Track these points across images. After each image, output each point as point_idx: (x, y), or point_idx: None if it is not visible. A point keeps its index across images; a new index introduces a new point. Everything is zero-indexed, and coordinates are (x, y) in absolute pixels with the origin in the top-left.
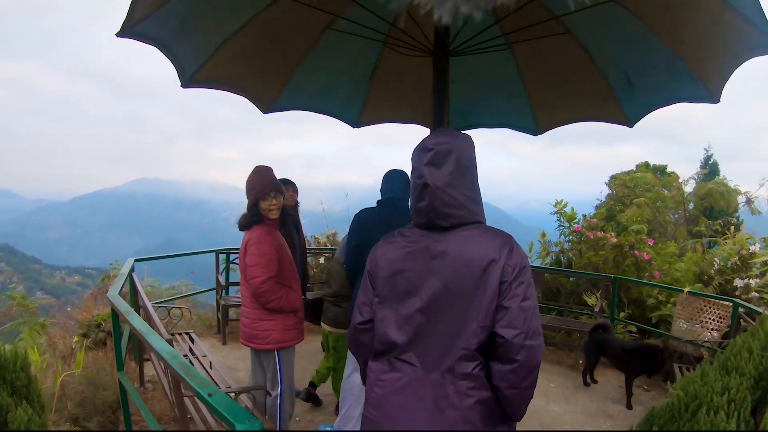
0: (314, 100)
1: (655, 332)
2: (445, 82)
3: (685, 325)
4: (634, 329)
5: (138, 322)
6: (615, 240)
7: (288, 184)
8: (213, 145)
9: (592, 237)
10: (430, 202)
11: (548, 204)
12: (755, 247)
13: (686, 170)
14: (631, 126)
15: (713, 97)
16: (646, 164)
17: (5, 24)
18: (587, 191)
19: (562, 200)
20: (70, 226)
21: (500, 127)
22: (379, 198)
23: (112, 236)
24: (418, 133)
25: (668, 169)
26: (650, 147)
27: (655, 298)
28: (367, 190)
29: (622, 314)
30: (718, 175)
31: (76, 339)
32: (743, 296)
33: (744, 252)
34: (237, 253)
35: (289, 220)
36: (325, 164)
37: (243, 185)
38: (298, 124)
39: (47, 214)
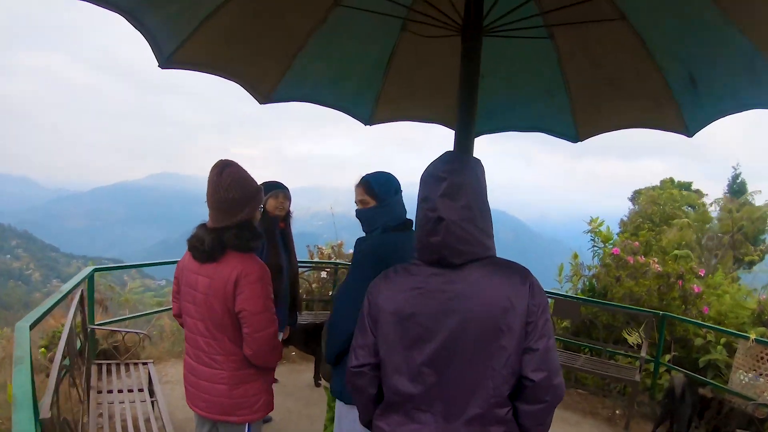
0: (320, 92)
1: (710, 384)
2: (475, 68)
3: (746, 378)
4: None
5: (20, 380)
6: (659, 268)
7: (279, 188)
8: (234, 141)
9: (632, 262)
10: (445, 238)
11: (568, 216)
12: None
13: (710, 188)
14: (690, 136)
15: None
16: (671, 180)
17: (37, 15)
18: (609, 204)
19: (597, 218)
20: (90, 217)
21: (534, 130)
22: (378, 208)
23: (131, 229)
24: (442, 136)
25: (693, 187)
26: (673, 163)
27: (703, 337)
28: None
29: (666, 356)
30: (746, 193)
31: (42, 351)
32: None
33: None
34: None
35: (276, 235)
36: (345, 166)
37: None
38: (320, 125)
39: (67, 204)
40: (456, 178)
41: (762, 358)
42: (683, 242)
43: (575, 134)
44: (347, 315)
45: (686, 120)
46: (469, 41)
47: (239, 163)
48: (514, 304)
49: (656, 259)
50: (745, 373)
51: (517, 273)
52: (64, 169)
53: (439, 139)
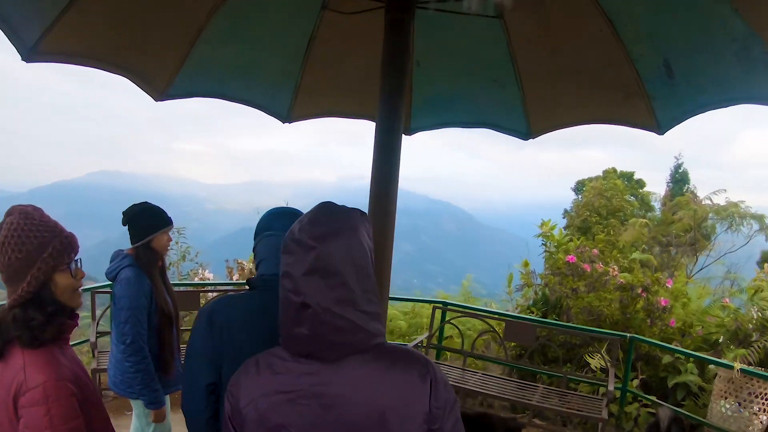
0: (227, 85)
1: (689, 417)
2: (404, 46)
3: (728, 410)
4: (652, 407)
5: None
6: (622, 280)
7: (170, 222)
8: (177, 137)
9: (589, 270)
10: (313, 330)
11: (512, 206)
12: None
13: (652, 178)
14: (661, 133)
15: None
16: (614, 170)
17: None
18: (552, 194)
19: (549, 220)
20: None
21: (479, 127)
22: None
23: (71, 229)
24: None
25: (635, 177)
26: (613, 152)
27: (671, 355)
28: (330, 188)
29: (634, 382)
30: (688, 183)
31: None
32: None
33: None
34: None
35: (159, 277)
36: (291, 161)
37: (207, 180)
38: (264, 121)
39: (4, 207)
40: (329, 246)
41: (742, 387)
42: (641, 242)
43: (527, 130)
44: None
45: (657, 115)
46: (396, 11)
47: (39, 211)
48: (411, 408)
49: (616, 267)
50: (728, 404)
51: (414, 367)
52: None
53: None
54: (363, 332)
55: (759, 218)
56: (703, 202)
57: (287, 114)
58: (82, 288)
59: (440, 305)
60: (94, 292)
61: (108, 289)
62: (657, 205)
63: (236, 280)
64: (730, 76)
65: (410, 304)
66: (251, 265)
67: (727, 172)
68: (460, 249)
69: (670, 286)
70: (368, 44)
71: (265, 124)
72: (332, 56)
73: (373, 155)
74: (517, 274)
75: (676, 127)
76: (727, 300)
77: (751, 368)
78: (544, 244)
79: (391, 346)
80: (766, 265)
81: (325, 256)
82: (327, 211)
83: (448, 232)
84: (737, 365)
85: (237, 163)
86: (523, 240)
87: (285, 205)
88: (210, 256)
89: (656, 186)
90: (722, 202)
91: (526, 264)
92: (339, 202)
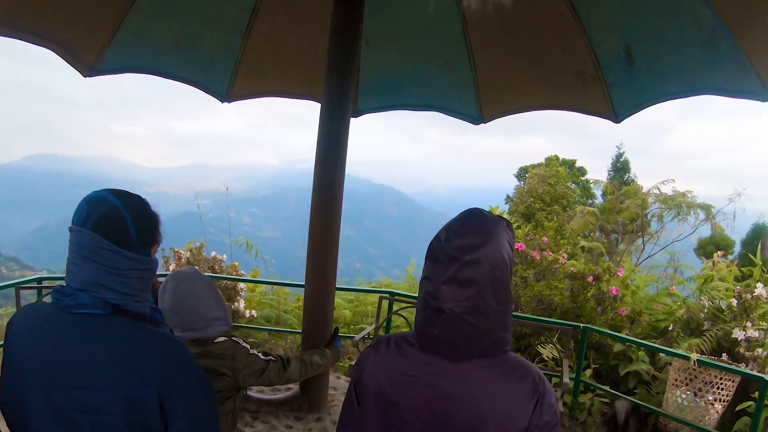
0: (163, 61)
1: (644, 407)
2: (354, 23)
3: (684, 399)
4: (605, 397)
5: None
6: (572, 269)
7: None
8: (116, 119)
9: (539, 258)
10: (444, 333)
11: (454, 190)
12: (761, 289)
13: (593, 166)
14: (617, 122)
15: (766, 93)
16: (556, 158)
17: None
18: (495, 179)
19: (497, 207)
20: None
21: (429, 110)
22: None
23: (8, 215)
24: None
25: (577, 164)
26: (555, 140)
27: (622, 343)
28: (272, 171)
29: (587, 371)
30: (629, 172)
31: None
32: (747, 353)
33: (747, 296)
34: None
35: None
36: (233, 144)
37: (147, 163)
38: (206, 102)
39: None
40: (472, 255)
41: (696, 376)
42: (589, 230)
43: (478, 115)
44: None
45: (615, 103)
46: None
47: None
48: (511, 420)
49: (566, 255)
50: (683, 394)
51: (528, 381)
52: None
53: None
54: (490, 340)
55: (706, 208)
56: (651, 192)
57: (226, 93)
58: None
59: (387, 295)
60: (18, 288)
61: (35, 284)
62: (599, 192)
63: (172, 270)
64: (693, 67)
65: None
66: (188, 254)
67: (665, 161)
68: (402, 233)
69: (621, 275)
70: (315, 19)
71: (207, 105)
72: (276, 31)
73: (318, 138)
74: None
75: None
76: (674, 288)
77: (705, 358)
78: None
79: (513, 357)
80: (715, 255)
81: (466, 268)
82: (475, 220)
83: (391, 216)
84: (694, 356)
85: (178, 146)
86: None
87: (109, 190)
88: None
89: (597, 174)
90: (670, 192)
91: None
92: (281, 186)
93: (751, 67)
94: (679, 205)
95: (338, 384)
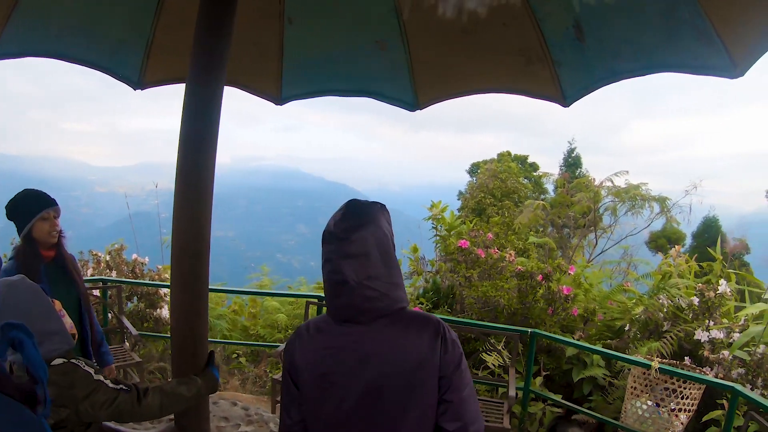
0: (66, 42)
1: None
2: None
3: (645, 410)
4: (560, 409)
5: None
6: (520, 267)
7: (50, 204)
8: (65, 117)
9: (483, 256)
10: (350, 300)
11: (407, 187)
12: (724, 287)
13: (545, 162)
14: (566, 105)
15: (735, 69)
16: (509, 153)
17: None
18: (448, 176)
19: (439, 201)
20: None
21: (360, 95)
22: None
23: None
24: (286, 111)
25: (529, 160)
26: (507, 137)
27: (575, 346)
28: (225, 169)
29: (538, 379)
30: (581, 168)
31: None
32: (711, 356)
33: (710, 293)
34: None
35: (42, 270)
36: None
37: (98, 162)
38: (157, 99)
39: None
40: (357, 234)
41: (657, 383)
42: (537, 225)
43: (414, 100)
44: None
45: (563, 84)
46: None
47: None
48: (426, 360)
49: (513, 253)
50: (643, 404)
51: (429, 327)
52: None
53: (286, 111)
54: (389, 299)
55: (661, 200)
56: (603, 184)
57: (138, 79)
58: None
59: (315, 300)
60: None
61: None
62: (551, 187)
63: (90, 275)
64: (650, 41)
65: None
66: (107, 257)
67: (617, 158)
68: None
69: (572, 273)
70: None
71: (158, 102)
72: (192, 8)
73: (182, 117)
74: (406, 260)
75: (569, 111)
76: (629, 284)
77: (667, 365)
78: (435, 227)
79: (412, 312)
80: (672, 249)
81: (355, 243)
82: (352, 210)
83: None
84: (656, 364)
85: (129, 144)
86: (419, 222)
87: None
88: (100, 243)
89: (549, 170)
90: (623, 185)
91: (415, 249)
92: (233, 184)
93: (718, 39)
94: (633, 197)
95: (233, 412)
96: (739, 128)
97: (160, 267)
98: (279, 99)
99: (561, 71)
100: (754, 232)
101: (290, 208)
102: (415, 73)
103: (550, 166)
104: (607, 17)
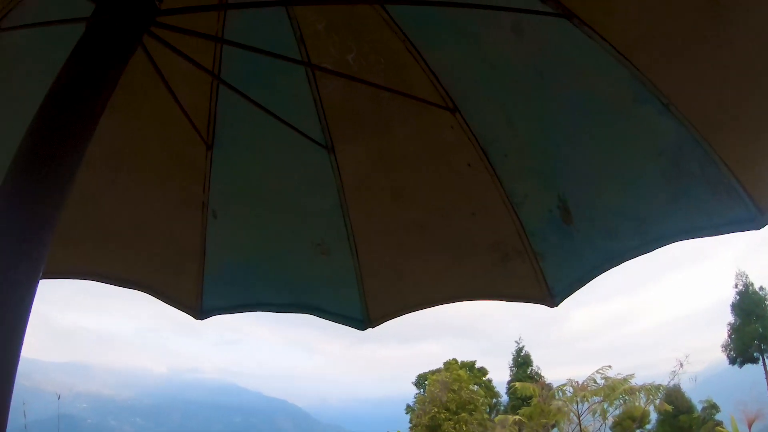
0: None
1: None
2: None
3: None
4: None
5: None
6: None
7: None
8: None
9: None
10: None
11: (349, 400)
12: None
13: (493, 363)
14: (555, 304)
15: (762, 216)
16: (455, 361)
17: None
18: (393, 388)
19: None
20: None
21: (297, 311)
22: None
23: None
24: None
25: (477, 365)
26: (448, 343)
27: None
28: (160, 379)
29: None
30: (532, 365)
31: None
32: None
33: None
34: None
35: None
36: (119, 344)
37: (24, 353)
38: (91, 296)
39: None
40: None
41: None
42: None
43: (363, 316)
44: None
45: (548, 280)
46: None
47: None
48: None
49: None
50: None
51: None
52: None
53: (228, 323)
54: None
55: (653, 389)
56: (587, 386)
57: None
58: None
59: None
60: None
61: None
62: (502, 391)
63: None
64: (653, 209)
65: None
66: None
67: (555, 349)
68: None
69: None
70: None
71: (95, 297)
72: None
73: None
74: None
75: (507, 310)
76: None
77: None
78: None
79: None
80: None
81: None
82: None
83: (285, 431)
84: None
85: (59, 339)
86: None
87: None
88: None
89: (498, 372)
90: (599, 379)
91: None
92: (168, 395)
93: (737, 185)
94: (625, 392)
95: None
96: (673, 293)
97: None
98: (199, 312)
99: (545, 264)
100: (713, 389)
101: (226, 424)
102: (364, 282)
103: (500, 367)
104: (599, 188)
